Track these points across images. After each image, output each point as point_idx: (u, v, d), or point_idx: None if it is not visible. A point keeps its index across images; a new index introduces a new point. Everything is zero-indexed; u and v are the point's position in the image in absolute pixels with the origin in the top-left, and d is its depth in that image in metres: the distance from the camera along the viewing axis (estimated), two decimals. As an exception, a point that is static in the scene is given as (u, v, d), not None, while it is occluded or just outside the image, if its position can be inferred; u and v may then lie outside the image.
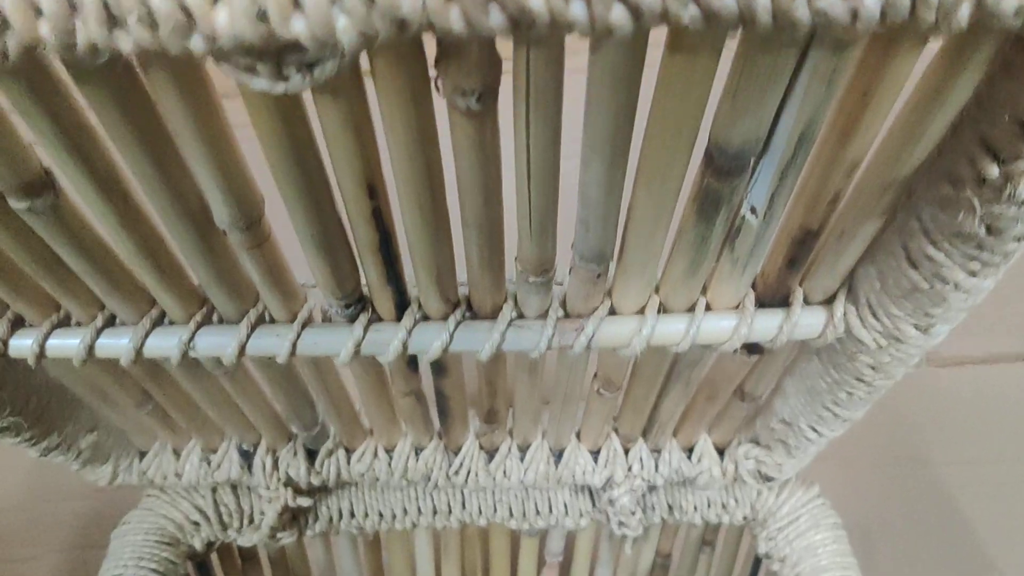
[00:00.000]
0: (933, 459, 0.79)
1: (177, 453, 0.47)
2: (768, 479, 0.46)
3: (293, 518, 0.49)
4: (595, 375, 0.40)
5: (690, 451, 0.48)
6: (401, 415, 0.44)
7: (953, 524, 0.82)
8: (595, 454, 0.47)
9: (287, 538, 0.49)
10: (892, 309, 0.31)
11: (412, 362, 0.38)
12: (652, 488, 0.50)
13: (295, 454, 0.46)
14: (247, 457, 0.46)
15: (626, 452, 0.47)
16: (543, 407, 0.43)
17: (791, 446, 0.43)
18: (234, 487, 0.50)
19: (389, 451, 0.47)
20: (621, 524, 0.48)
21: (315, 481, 0.46)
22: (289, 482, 0.46)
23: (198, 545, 0.51)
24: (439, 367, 0.38)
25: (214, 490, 0.51)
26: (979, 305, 0.29)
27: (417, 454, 0.46)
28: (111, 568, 0.48)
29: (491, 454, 0.46)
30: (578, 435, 0.47)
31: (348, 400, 0.43)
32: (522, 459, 0.46)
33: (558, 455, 0.47)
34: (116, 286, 0.31)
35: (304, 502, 0.46)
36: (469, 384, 0.40)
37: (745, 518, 0.52)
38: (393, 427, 0.45)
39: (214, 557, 0.55)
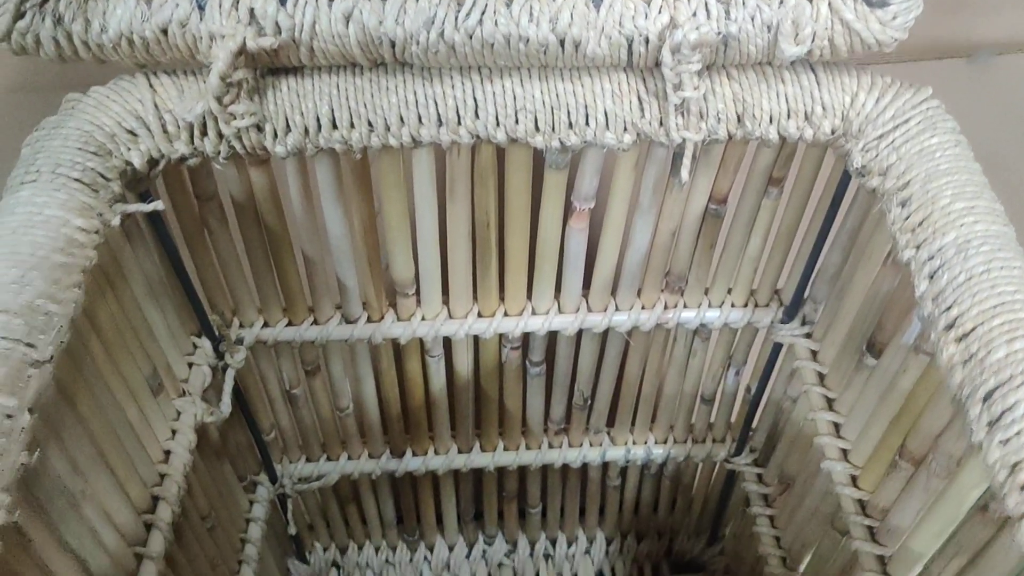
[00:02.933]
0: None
1: None
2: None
3: (254, 92, 0.37)
4: None
5: None
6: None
7: None
8: None
9: (245, 117, 0.37)
10: None
11: None
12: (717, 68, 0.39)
13: None
14: None
15: None
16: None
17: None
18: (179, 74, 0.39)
19: None
20: (679, 89, 0.36)
21: (284, 24, 0.34)
22: (253, 20, 0.34)
23: (136, 160, 0.40)
24: None
25: (154, 96, 0.40)
26: None
27: None
28: (21, 175, 0.37)
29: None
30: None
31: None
32: None
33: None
34: None
35: (266, 42, 0.35)
36: None
37: (834, 131, 0.40)
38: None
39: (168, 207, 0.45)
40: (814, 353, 0.51)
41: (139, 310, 0.45)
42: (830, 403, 0.50)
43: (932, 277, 0.35)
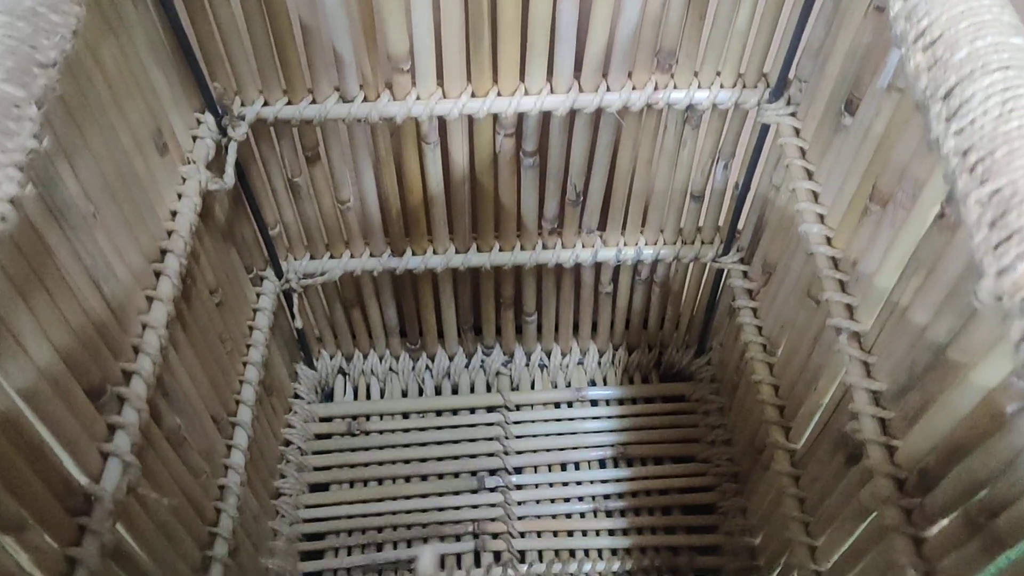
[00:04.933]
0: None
1: None
2: None
3: None
4: None
5: None
6: None
7: None
8: None
9: None
10: None
11: None
12: None
13: None
14: None
15: None
16: None
17: None
18: None
19: None
20: None
21: None
22: None
23: None
24: None
25: None
26: None
27: None
28: None
29: None
30: None
31: None
32: None
33: None
34: None
35: None
36: None
37: None
38: None
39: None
40: (797, 131, 0.53)
41: (143, 66, 0.47)
42: (810, 175, 0.51)
43: (905, -3, 0.36)
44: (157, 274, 0.48)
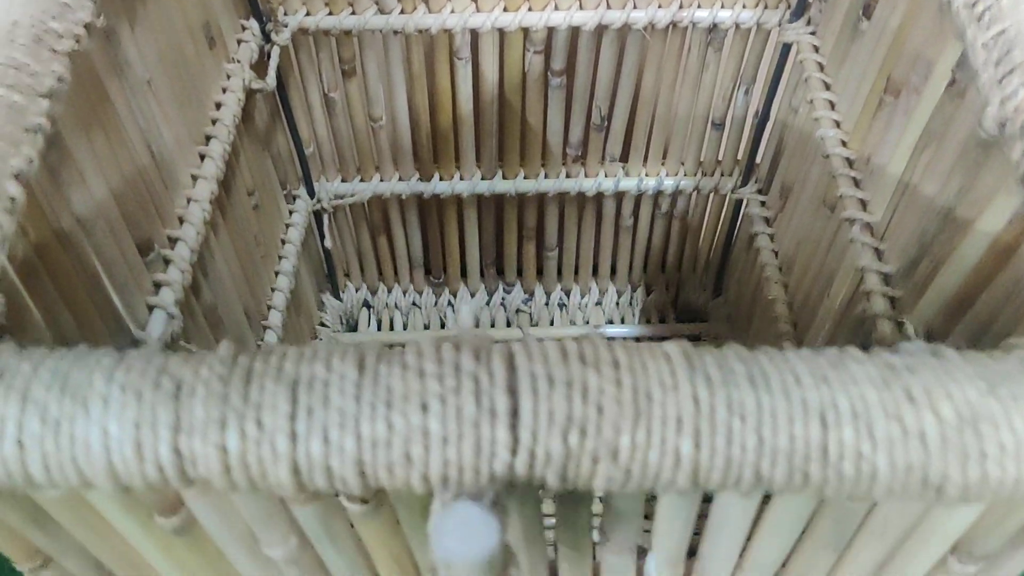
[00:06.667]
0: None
1: None
2: None
3: None
4: None
5: None
6: None
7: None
8: None
9: None
10: None
11: None
12: None
13: None
14: None
15: None
16: None
17: None
18: None
19: None
20: None
21: None
22: None
23: None
24: None
25: None
26: None
27: None
28: None
29: None
30: None
31: None
32: None
33: None
34: None
35: None
36: None
37: None
38: None
39: None
40: (816, 48, 0.55)
41: (195, -41, 0.50)
42: (827, 87, 0.53)
43: None
44: (202, 157, 0.51)
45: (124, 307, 0.42)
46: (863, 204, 0.48)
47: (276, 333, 0.62)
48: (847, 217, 0.48)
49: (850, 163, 0.50)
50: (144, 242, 0.44)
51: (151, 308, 0.44)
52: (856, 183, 0.49)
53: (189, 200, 0.49)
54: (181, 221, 0.48)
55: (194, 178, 0.50)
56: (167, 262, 0.46)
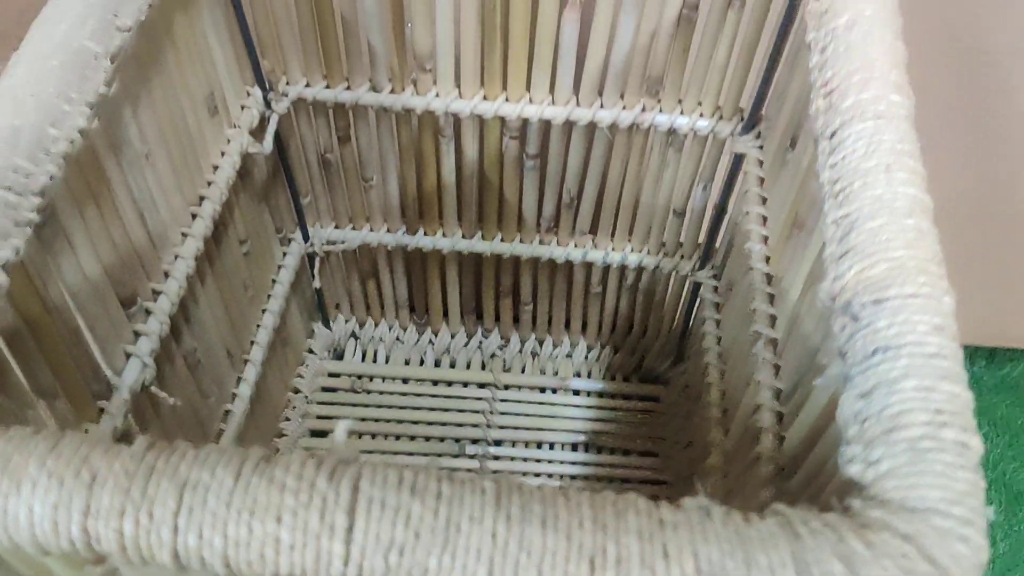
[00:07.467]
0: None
1: None
2: None
3: None
4: None
5: None
6: None
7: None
8: None
9: None
10: None
11: None
12: None
13: None
14: None
15: None
16: None
17: None
18: None
19: None
20: None
21: None
22: None
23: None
24: None
25: None
26: None
27: None
28: None
29: None
30: None
31: None
32: None
33: None
34: None
35: None
36: None
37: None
38: None
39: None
40: (760, 162, 0.60)
41: (206, 40, 0.56)
42: (764, 201, 0.58)
43: (823, 51, 0.43)
44: (194, 216, 0.57)
45: (103, 356, 0.48)
46: (772, 320, 0.53)
47: (255, 368, 0.68)
48: (756, 330, 0.52)
49: (768, 279, 0.55)
50: (128, 297, 0.50)
51: (128, 355, 0.50)
52: (771, 299, 0.54)
53: (176, 256, 0.55)
54: (166, 275, 0.54)
55: (184, 235, 0.56)
56: (148, 313, 0.52)
